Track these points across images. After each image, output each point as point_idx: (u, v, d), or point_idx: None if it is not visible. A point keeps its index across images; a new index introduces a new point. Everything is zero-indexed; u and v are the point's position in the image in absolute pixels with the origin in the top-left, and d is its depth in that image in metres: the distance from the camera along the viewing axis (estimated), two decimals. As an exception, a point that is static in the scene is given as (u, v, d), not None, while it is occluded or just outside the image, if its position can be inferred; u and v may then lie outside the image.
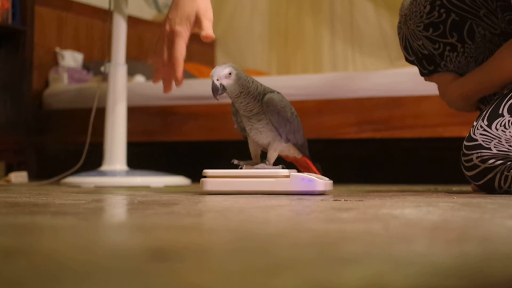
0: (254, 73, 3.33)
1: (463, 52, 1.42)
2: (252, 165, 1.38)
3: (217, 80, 1.31)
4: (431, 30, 1.41)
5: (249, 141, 1.43)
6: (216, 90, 1.31)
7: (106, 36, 2.19)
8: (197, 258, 0.49)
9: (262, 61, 3.86)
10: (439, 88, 1.50)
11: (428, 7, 1.40)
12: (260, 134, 1.38)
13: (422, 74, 1.51)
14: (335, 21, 3.72)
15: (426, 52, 1.44)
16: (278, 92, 1.38)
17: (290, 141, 1.40)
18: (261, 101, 1.34)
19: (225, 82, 1.31)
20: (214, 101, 2.34)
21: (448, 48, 1.42)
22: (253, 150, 1.43)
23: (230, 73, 1.31)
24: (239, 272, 0.43)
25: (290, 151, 1.44)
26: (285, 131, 1.37)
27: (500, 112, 1.28)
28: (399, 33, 1.49)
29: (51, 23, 2.93)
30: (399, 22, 1.48)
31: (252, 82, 1.35)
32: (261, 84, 1.38)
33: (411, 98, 2.18)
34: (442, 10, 1.39)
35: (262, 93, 1.36)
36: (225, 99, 1.38)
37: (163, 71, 1.43)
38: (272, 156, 1.39)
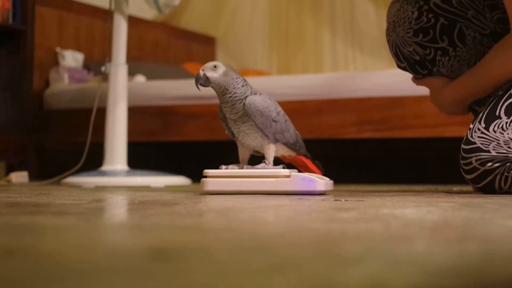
0: (255, 73, 3.33)
1: (455, 55, 1.41)
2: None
3: (202, 70, 1.35)
4: (421, 35, 1.40)
5: (238, 145, 1.43)
6: (198, 79, 1.36)
7: (106, 36, 2.19)
8: (197, 258, 0.49)
9: (263, 61, 3.85)
10: (430, 93, 1.49)
11: (416, 13, 1.39)
12: (247, 137, 1.39)
13: (415, 77, 1.50)
14: (335, 21, 3.71)
15: (417, 57, 1.43)
16: (261, 94, 1.39)
17: (279, 141, 1.40)
18: (244, 103, 1.35)
19: (209, 73, 1.34)
20: (215, 101, 2.34)
21: (439, 52, 1.41)
22: (241, 153, 1.43)
23: (215, 66, 1.34)
24: (240, 272, 0.43)
25: (284, 150, 1.44)
26: (271, 131, 1.37)
27: (497, 114, 1.28)
28: (388, 40, 1.47)
29: (51, 23, 2.93)
30: (387, 29, 1.47)
31: (243, 85, 1.36)
32: (251, 88, 1.38)
33: (412, 98, 2.18)
34: (430, 15, 1.38)
35: (246, 95, 1.36)
36: (215, 100, 1.39)
37: None
38: (269, 155, 1.39)
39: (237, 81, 1.35)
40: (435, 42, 1.40)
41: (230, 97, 1.35)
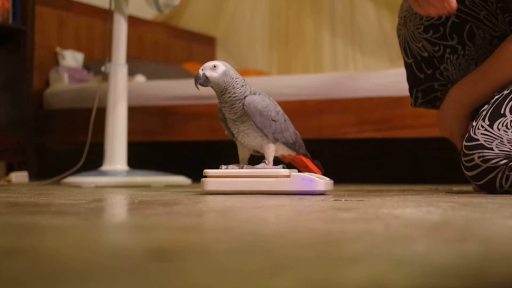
0: (255, 73, 3.33)
1: (463, 54, 1.41)
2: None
3: (202, 70, 1.36)
4: (431, 32, 1.41)
5: (238, 145, 1.43)
6: (197, 78, 1.36)
7: (106, 36, 2.19)
8: (197, 258, 0.49)
9: (263, 61, 3.85)
10: (442, 104, 1.46)
11: None
12: (247, 137, 1.39)
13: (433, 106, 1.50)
14: (335, 21, 3.71)
15: (425, 54, 1.44)
16: (260, 93, 1.39)
17: (278, 141, 1.40)
18: (243, 103, 1.35)
19: (209, 73, 1.35)
20: (214, 101, 2.34)
21: (448, 50, 1.42)
22: (241, 153, 1.43)
23: (215, 66, 1.34)
24: (239, 272, 0.43)
25: (284, 150, 1.44)
26: (270, 131, 1.37)
27: (502, 112, 1.28)
28: (398, 35, 1.48)
29: (51, 23, 2.93)
30: (399, 24, 1.47)
31: (242, 85, 1.36)
32: (250, 87, 1.38)
33: (412, 98, 2.18)
34: None
35: (245, 95, 1.36)
36: (215, 100, 1.39)
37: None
38: (269, 155, 1.39)
39: (236, 81, 1.36)
40: (445, 40, 1.40)
41: (230, 97, 1.35)
